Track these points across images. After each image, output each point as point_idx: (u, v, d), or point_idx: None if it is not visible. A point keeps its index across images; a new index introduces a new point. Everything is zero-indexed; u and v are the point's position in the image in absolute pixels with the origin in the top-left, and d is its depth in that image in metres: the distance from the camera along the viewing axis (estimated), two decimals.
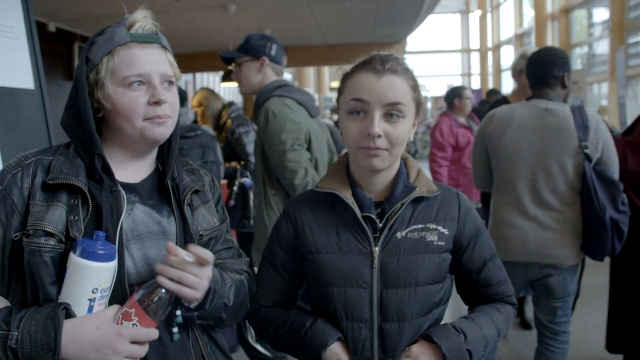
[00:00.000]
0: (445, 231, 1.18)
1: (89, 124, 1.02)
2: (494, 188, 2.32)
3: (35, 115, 1.77)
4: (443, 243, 1.17)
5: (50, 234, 0.96)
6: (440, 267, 1.17)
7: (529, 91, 2.95)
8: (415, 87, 1.15)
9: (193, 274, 0.98)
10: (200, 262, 0.99)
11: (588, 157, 2.09)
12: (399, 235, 1.15)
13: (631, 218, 2.23)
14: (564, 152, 2.11)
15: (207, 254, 1.01)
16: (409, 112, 1.13)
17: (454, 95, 4.40)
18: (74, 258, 0.93)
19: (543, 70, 2.21)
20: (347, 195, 1.17)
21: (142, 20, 1.06)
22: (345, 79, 1.18)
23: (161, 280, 0.96)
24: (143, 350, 0.96)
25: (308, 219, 1.21)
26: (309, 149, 2.27)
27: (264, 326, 1.24)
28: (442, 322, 1.21)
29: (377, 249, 1.14)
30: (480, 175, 2.40)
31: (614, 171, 2.18)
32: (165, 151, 1.14)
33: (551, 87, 2.21)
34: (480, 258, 1.23)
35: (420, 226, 1.16)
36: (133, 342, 0.94)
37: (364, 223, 1.15)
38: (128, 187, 1.07)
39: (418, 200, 1.18)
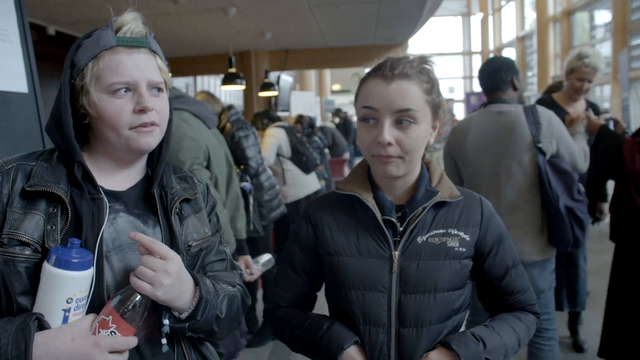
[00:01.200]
0: (467, 237, 1.16)
1: (67, 131, 0.97)
2: None
3: (29, 120, 1.73)
4: (464, 249, 1.15)
5: (25, 244, 0.91)
6: (461, 274, 1.15)
7: (576, 96, 3.14)
8: (430, 90, 1.12)
9: (148, 266, 0.92)
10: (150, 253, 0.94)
11: (541, 151, 2.19)
12: (419, 240, 1.14)
13: (634, 222, 2.26)
14: (519, 149, 2.20)
15: (148, 242, 0.94)
16: (423, 117, 1.11)
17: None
18: (47, 267, 0.89)
19: (492, 77, 2.34)
20: (368, 198, 1.16)
21: (131, 22, 1.00)
22: (360, 84, 1.16)
23: (130, 277, 0.93)
24: (122, 359, 0.92)
25: (328, 221, 1.19)
26: (208, 166, 2.17)
27: (281, 326, 1.24)
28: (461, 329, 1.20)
29: (396, 253, 1.13)
30: None
31: (576, 162, 2.29)
32: (155, 158, 1.09)
33: (502, 91, 2.33)
34: (502, 265, 1.21)
35: (441, 231, 1.15)
36: (112, 352, 0.89)
37: (384, 226, 1.14)
38: (113, 195, 1.02)
39: (440, 205, 1.17)
